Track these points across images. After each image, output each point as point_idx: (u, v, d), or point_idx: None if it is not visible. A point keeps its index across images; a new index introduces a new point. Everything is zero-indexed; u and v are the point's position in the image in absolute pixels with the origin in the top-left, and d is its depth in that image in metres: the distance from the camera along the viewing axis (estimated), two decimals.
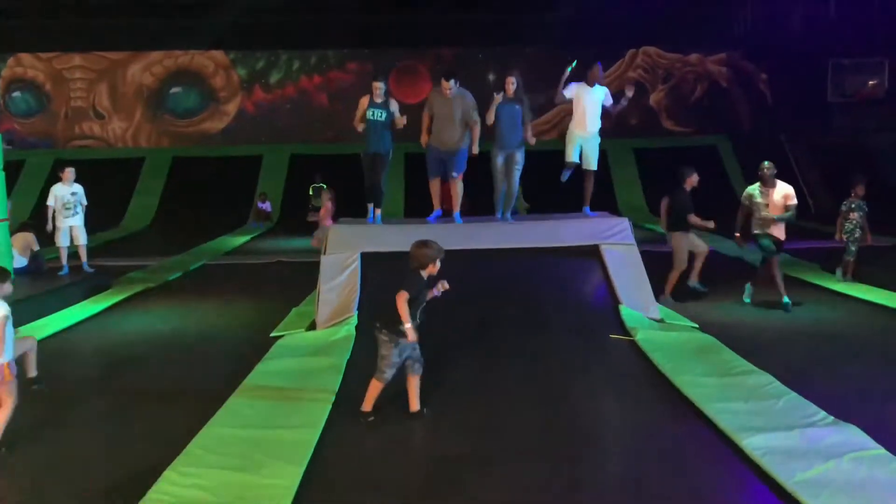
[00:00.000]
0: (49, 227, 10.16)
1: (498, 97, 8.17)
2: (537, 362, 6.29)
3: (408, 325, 4.73)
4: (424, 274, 4.87)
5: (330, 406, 5.12)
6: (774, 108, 21.56)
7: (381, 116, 8.11)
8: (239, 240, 16.00)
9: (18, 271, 9.47)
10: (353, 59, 22.66)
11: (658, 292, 8.16)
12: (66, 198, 10.17)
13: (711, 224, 8.52)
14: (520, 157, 8.35)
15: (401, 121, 8.18)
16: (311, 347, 6.72)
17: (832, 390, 5.40)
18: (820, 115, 19.68)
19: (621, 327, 7.17)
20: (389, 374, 4.90)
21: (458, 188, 8.45)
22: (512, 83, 8.14)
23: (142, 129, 22.73)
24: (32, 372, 5.54)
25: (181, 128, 22.75)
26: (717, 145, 21.95)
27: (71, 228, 10.21)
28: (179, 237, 15.49)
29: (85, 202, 10.39)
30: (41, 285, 9.15)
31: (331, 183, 16.20)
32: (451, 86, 8.00)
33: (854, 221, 9.31)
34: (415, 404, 5.00)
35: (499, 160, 8.35)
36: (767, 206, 8.07)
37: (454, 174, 8.32)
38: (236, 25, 19.97)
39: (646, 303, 7.70)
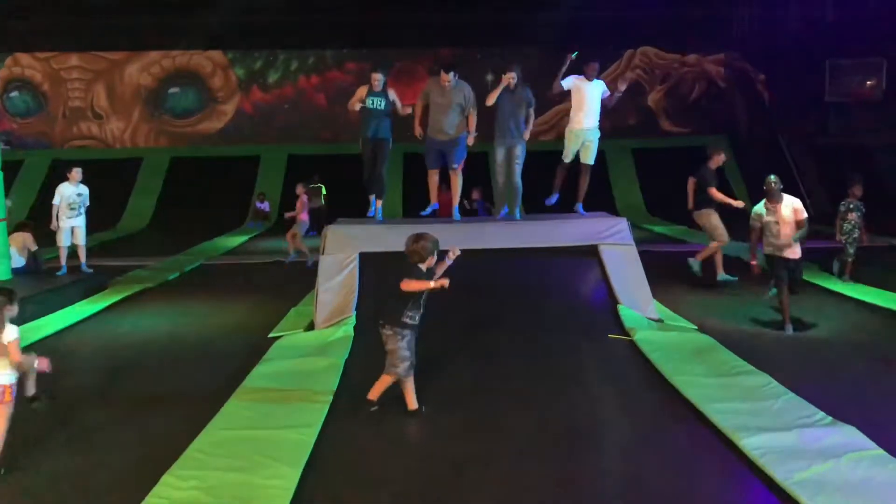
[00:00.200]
0: (53, 225, 10.15)
1: (509, 77, 8.08)
2: (536, 362, 6.29)
3: (431, 284, 4.83)
4: (423, 267, 4.95)
5: (328, 406, 5.11)
6: (772, 109, 21.57)
7: (380, 105, 8.12)
8: (237, 240, 15.98)
9: (16, 271, 9.50)
10: (351, 59, 22.63)
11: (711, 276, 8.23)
12: (72, 198, 10.15)
13: (740, 203, 8.40)
14: (520, 150, 8.33)
15: (404, 109, 8.18)
16: (310, 348, 6.72)
17: (831, 390, 5.41)
18: (818, 115, 19.69)
19: (620, 327, 7.18)
20: (402, 368, 4.95)
21: (457, 180, 8.43)
22: (512, 78, 8.14)
23: (140, 129, 22.68)
24: (31, 390, 5.51)
25: (179, 128, 22.70)
26: (716, 146, 21.90)
27: (73, 228, 10.19)
28: (177, 237, 15.43)
29: (88, 203, 10.38)
30: (39, 285, 9.12)
31: (329, 183, 16.24)
32: (450, 78, 7.96)
33: (852, 222, 9.31)
34: (412, 403, 5.03)
35: (499, 155, 8.35)
36: (777, 223, 7.35)
37: (454, 165, 8.30)
38: (235, 25, 19.93)
39: (644, 303, 7.70)
